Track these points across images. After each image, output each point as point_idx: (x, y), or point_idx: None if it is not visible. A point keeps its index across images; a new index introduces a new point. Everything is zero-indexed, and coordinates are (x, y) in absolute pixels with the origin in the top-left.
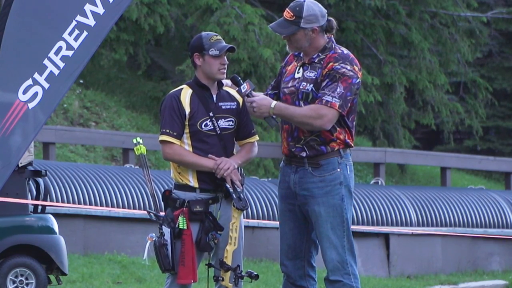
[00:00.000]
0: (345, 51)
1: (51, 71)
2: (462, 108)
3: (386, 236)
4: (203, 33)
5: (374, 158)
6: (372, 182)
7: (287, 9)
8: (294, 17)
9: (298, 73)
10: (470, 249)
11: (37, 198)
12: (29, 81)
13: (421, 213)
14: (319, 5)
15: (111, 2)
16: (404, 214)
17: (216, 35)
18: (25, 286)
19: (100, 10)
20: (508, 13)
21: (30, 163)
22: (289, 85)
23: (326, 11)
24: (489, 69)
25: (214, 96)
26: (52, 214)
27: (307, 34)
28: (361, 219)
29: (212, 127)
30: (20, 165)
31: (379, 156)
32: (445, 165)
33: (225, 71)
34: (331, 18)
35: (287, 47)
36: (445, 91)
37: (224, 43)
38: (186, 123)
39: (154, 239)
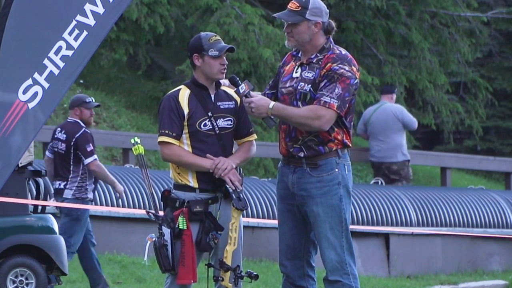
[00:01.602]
0: (343, 51)
1: (51, 71)
2: (462, 108)
3: (386, 236)
4: (202, 33)
5: None
6: (372, 182)
7: (292, 0)
8: (300, 8)
9: (296, 72)
10: (470, 249)
11: (37, 198)
12: (29, 81)
13: (421, 213)
14: (323, 3)
15: (111, 1)
16: (404, 214)
17: (215, 35)
18: (25, 286)
19: (100, 9)
20: (508, 13)
21: (30, 163)
22: (287, 85)
23: (328, 11)
24: (489, 69)
25: (212, 96)
26: (52, 214)
27: (310, 27)
28: (361, 219)
29: (211, 127)
30: (20, 165)
31: None
32: (445, 165)
33: (225, 71)
34: (330, 20)
35: (286, 42)
36: (445, 91)
37: (223, 44)
38: (185, 123)
39: (154, 239)
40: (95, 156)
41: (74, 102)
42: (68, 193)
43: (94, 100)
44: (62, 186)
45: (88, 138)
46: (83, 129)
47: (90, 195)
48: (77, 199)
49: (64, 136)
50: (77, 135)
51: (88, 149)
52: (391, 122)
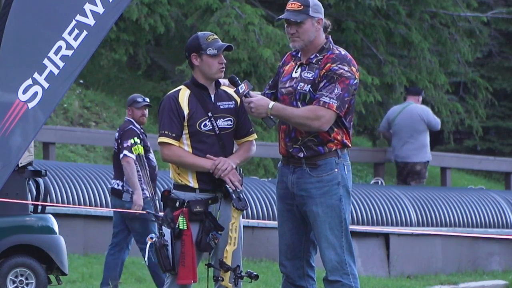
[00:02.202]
0: (343, 51)
1: (50, 70)
2: (462, 108)
3: (386, 236)
4: (199, 33)
5: (374, 158)
6: (372, 182)
7: (291, 1)
8: (302, 7)
9: (295, 73)
10: (470, 249)
11: (37, 198)
12: (29, 81)
13: (421, 213)
14: None
15: (110, 1)
16: (404, 214)
17: (213, 35)
18: (25, 286)
19: (99, 9)
20: (508, 13)
21: (30, 163)
22: (287, 85)
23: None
24: (489, 69)
25: (212, 96)
26: (52, 214)
27: (314, 24)
28: (361, 219)
29: (211, 127)
30: (20, 165)
31: (379, 156)
32: (445, 165)
33: (224, 69)
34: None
35: (291, 44)
36: (445, 91)
37: (221, 42)
38: (185, 124)
39: (154, 239)
40: (127, 152)
41: (128, 102)
42: (126, 196)
43: (147, 100)
44: (120, 187)
45: (132, 133)
46: (131, 125)
47: (147, 193)
48: None
49: (117, 134)
50: (122, 131)
51: (125, 144)
52: (417, 124)
